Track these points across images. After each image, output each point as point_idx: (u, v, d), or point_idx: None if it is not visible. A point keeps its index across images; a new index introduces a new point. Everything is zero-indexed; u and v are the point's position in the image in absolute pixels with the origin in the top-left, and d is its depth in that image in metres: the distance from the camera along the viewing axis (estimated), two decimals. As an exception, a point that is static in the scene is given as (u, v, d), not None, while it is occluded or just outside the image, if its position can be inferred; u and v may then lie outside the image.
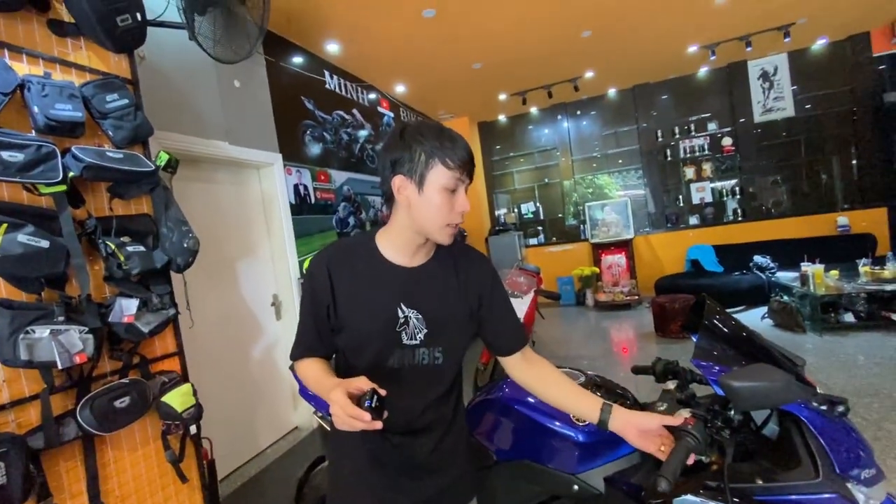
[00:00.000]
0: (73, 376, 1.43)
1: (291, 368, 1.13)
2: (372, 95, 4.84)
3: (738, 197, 6.16)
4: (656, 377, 1.17)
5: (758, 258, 5.39)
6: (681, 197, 6.41)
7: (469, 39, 4.05)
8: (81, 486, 1.42)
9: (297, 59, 3.70)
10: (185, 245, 1.75)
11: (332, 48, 3.85)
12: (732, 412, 0.88)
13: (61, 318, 1.36)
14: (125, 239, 1.60)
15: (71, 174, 1.42)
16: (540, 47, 4.47)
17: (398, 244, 0.93)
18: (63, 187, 1.41)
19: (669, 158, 6.39)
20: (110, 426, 1.45)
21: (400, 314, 0.91)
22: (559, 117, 7.02)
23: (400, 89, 5.12)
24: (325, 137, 3.92)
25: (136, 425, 1.57)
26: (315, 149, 3.78)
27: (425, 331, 0.92)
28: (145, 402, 1.57)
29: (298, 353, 0.96)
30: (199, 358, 2.46)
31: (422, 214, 0.86)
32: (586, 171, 7.08)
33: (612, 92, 6.65)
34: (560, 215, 7.22)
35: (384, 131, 4.99)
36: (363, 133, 4.55)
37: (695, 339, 1.02)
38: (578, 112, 6.96)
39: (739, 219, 6.16)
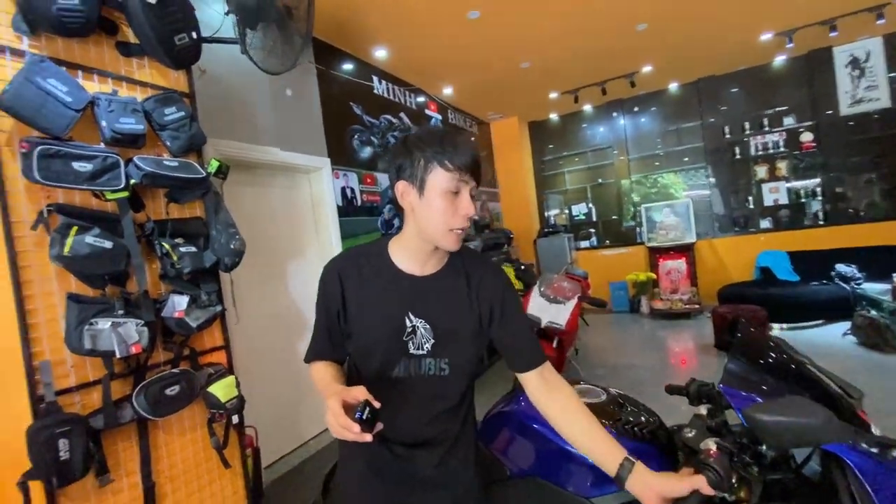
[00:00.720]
0: (130, 365, 1.57)
1: None
2: (420, 98, 4.91)
3: (819, 198, 5.56)
4: (690, 399, 1.08)
5: (841, 267, 4.83)
6: (751, 198, 5.89)
7: (515, 39, 3.98)
8: (135, 466, 1.56)
9: (347, 66, 3.83)
10: (232, 246, 1.87)
11: (380, 54, 3.95)
12: (764, 447, 0.79)
13: (121, 312, 1.50)
14: (179, 240, 1.74)
15: (132, 181, 1.56)
16: (590, 44, 4.30)
17: (408, 252, 0.93)
18: (125, 193, 1.55)
19: (738, 156, 5.90)
20: (161, 412, 1.58)
21: (408, 323, 0.90)
22: (615, 114, 6.72)
23: (447, 91, 5.14)
24: (373, 141, 4.03)
25: (184, 412, 1.70)
26: (362, 153, 3.89)
27: (432, 341, 0.91)
28: (193, 391, 1.70)
29: (311, 356, 0.98)
30: (248, 352, 2.62)
31: (425, 219, 0.86)
32: (644, 170, 6.72)
33: (673, 86, 6.26)
34: (615, 217, 6.91)
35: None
36: (411, 136, 4.62)
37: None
38: (636, 108, 6.62)
39: (820, 222, 5.56)
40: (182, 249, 1.72)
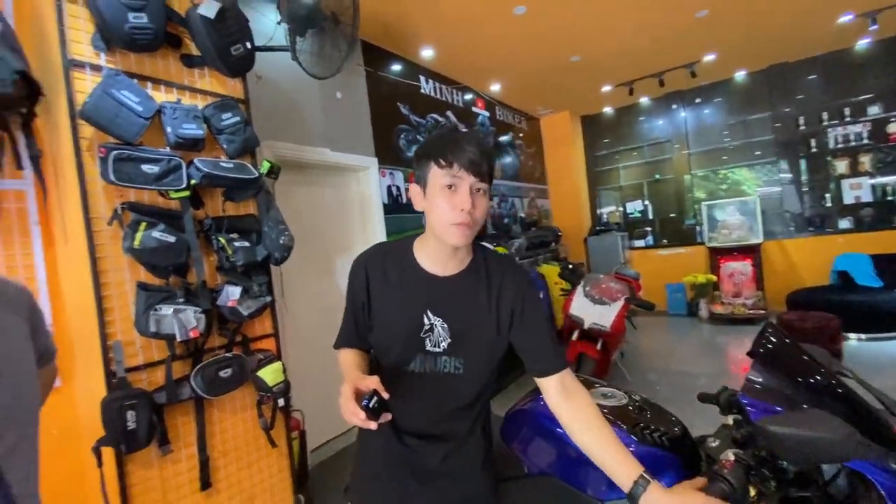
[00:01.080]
0: (189, 348, 1.74)
1: None
2: (468, 96, 4.92)
3: (911, 196, 4.96)
4: (720, 408, 1.04)
5: (936, 273, 4.30)
6: (828, 196, 5.36)
7: (563, 33, 3.89)
8: (192, 439, 1.72)
9: (395, 67, 3.93)
10: (282, 242, 1.99)
11: (427, 53, 4.01)
12: (786, 462, 0.75)
13: (181, 300, 1.66)
14: (233, 235, 1.88)
15: (193, 182, 1.71)
16: (644, 35, 4.11)
17: (429, 251, 0.96)
18: (187, 193, 1.71)
19: (814, 150, 5.38)
20: (216, 392, 1.73)
21: (426, 321, 0.93)
22: (674, 107, 6.37)
23: (495, 88, 5.11)
24: (419, 140, 4.11)
25: (236, 393, 1.85)
26: (409, 152, 3.98)
27: (449, 340, 0.94)
28: (244, 374, 1.84)
29: (339, 343, 1.06)
30: (297, 341, 2.78)
31: (431, 216, 0.90)
32: (706, 165, 6.31)
33: (739, 75, 5.82)
34: (673, 215, 6.56)
35: (478, 130, 5.05)
36: (457, 134, 4.66)
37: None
38: (698, 100, 6.23)
39: (912, 223, 4.96)
40: (236, 244, 1.86)
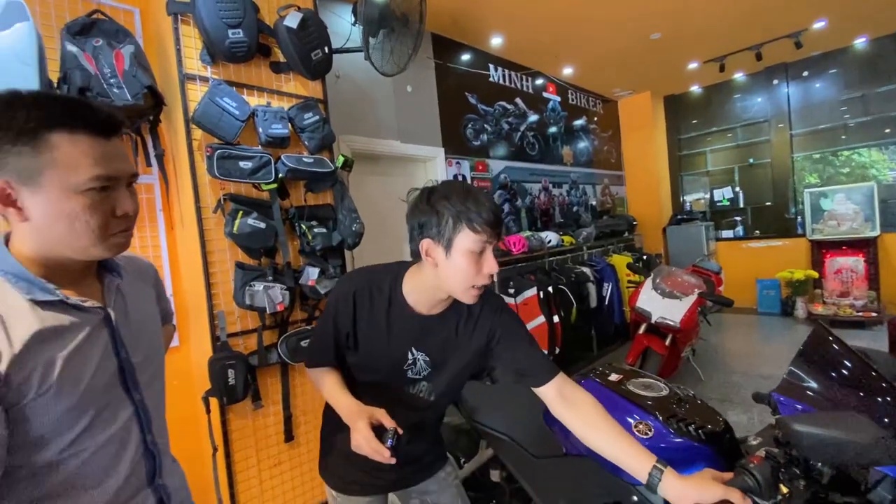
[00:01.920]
0: (276, 320, 2.00)
1: None
2: (538, 81, 4.84)
3: None
4: (771, 408, 1.02)
5: None
6: (972, 181, 4.55)
7: (641, 10, 3.66)
8: (278, 398, 1.99)
9: (463, 57, 3.99)
10: (354, 229, 2.19)
11: (497, 41, 4.00)
12: (821, 465, 0.75)
13: (270, 278, 1.91)
14: (313, 223, 2.11)
15: (280, 176, 1.95)
16: (735, 5, 3.73)
17: (422, 295, 0.97)
18: (275, 185, 1.95)
19: (956, 127, 4.58)
20: (297, 359, 1.97)
21: (410, 357, 0.99)
22: (775, 82, 5.70)
23: (567, 71, 4.96)
24: (486, 129, 4.15)
25: (314, 362, 2.09)
26: (475, 141, 4.05)
27: (429, 370, 1.01)
28: (320, 346, 2.08)
29: (315, 362, 1.04)
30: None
31: (448, 276, 0.89)
32: (813, 146, 5.61)
33: (859, 42, 5.06)
34: (768, 203, 5.94)
35: (548, 116, 4.95)
36: (525, 121, 4.62)
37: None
38: (805, 73, 5.52)
39: None
40: (315, 230, 2.08)
